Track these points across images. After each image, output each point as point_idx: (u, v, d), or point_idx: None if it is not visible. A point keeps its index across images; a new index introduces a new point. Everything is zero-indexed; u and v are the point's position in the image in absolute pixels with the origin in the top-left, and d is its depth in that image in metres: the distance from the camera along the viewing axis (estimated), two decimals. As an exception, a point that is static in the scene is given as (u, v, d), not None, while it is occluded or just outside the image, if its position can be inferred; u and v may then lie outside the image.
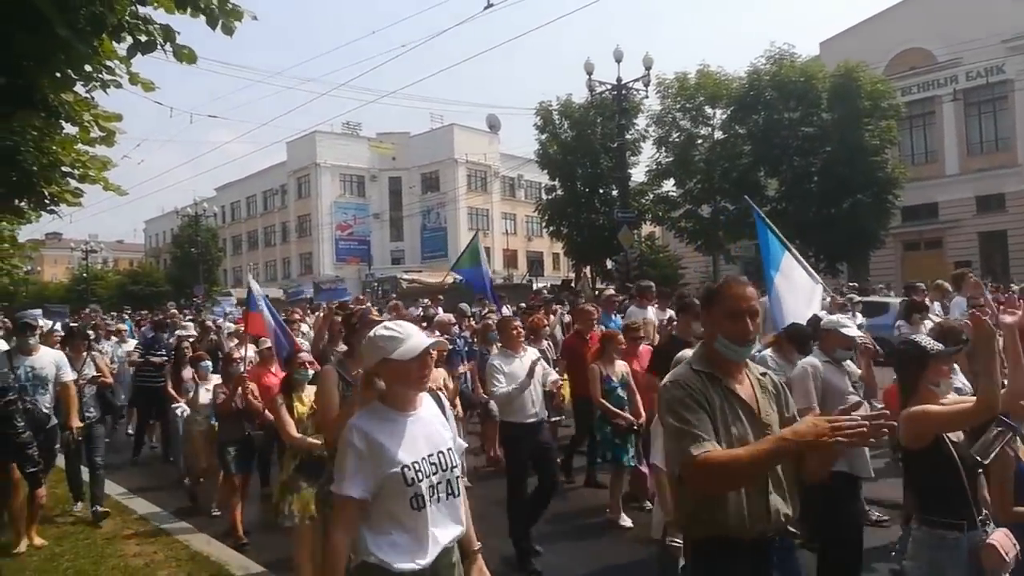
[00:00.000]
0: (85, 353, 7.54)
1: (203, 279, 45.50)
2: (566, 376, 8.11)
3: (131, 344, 12.82)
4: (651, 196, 31.02)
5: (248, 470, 7.00)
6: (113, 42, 4.42)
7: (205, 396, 7.67)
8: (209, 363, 8.17)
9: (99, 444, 7.30)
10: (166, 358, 10.13)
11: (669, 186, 30.89)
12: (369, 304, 13.92)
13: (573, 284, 26.82)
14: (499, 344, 6.69)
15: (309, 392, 5.23)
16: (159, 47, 4.29)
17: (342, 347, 5.17)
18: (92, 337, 13.18)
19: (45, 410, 6.15)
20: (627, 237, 22.78)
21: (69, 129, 5.65)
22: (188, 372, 8.69)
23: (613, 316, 10.27)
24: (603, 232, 28.57)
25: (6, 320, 23.65)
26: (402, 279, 30.66)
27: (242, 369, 7.10)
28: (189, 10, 4.17)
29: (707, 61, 35.59)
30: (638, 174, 30.64)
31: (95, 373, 7.42)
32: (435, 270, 35.68)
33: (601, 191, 30.56)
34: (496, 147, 57.28)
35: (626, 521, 6.60)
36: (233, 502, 6.67)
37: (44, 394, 6.22)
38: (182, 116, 34.64)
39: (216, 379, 7.64)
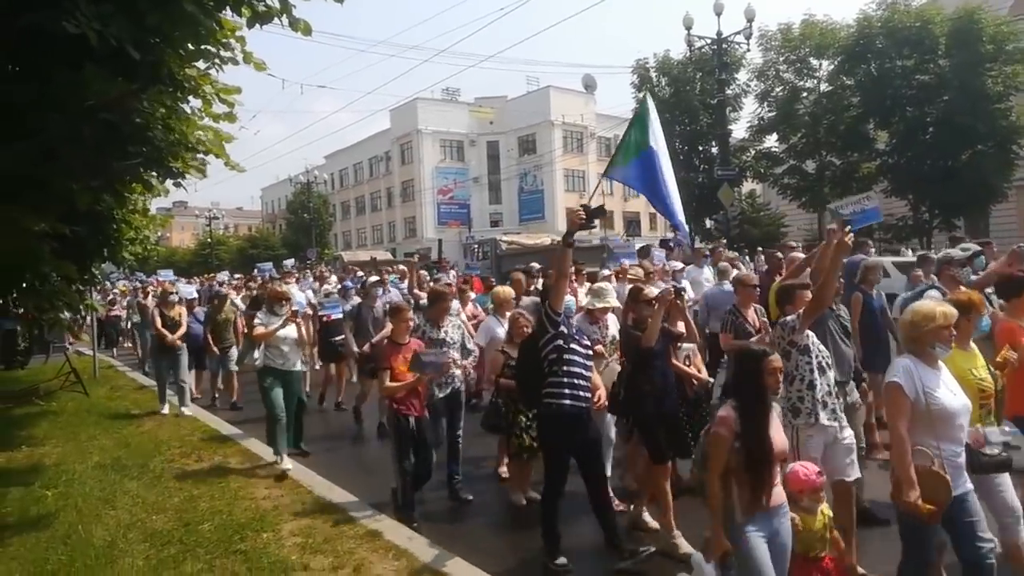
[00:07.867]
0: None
1: (315, 242, 47.86)
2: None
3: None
4: (752, 152, 30.22)
5: None
6: (234, 16, 4.86)
7: None
8: None
9: None
10: None
11: (771, 142, 30.01)
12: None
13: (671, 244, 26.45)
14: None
15: None
16: (276, 18, 4.67)
17: None
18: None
19: None
20: (727, 195, 22.35)
21: (193, 103, 5.96)
22: None
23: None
24: (703, 190, 28.12)
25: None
26: (501, 241, 31.14)
27: None
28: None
29: (812, 11, 33.99)
30: (739, 130, 29.89)
31: None
32: (533, 232, 35.96)
33: (700, 148, 30.02)
34: (592, 108, 56.72)
35: None
36: None
37: None
38: (292, 87, 35.90)
39: None
